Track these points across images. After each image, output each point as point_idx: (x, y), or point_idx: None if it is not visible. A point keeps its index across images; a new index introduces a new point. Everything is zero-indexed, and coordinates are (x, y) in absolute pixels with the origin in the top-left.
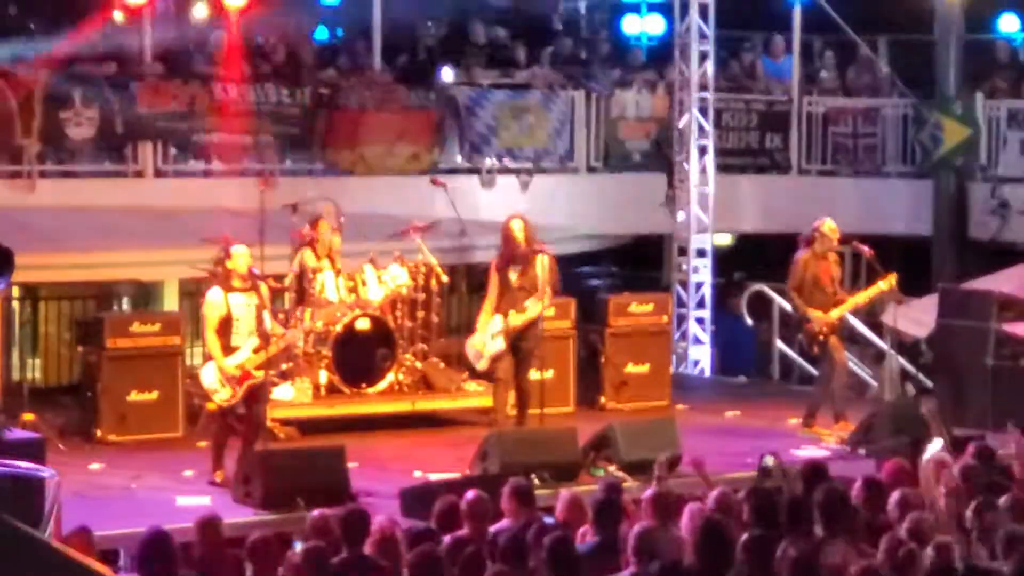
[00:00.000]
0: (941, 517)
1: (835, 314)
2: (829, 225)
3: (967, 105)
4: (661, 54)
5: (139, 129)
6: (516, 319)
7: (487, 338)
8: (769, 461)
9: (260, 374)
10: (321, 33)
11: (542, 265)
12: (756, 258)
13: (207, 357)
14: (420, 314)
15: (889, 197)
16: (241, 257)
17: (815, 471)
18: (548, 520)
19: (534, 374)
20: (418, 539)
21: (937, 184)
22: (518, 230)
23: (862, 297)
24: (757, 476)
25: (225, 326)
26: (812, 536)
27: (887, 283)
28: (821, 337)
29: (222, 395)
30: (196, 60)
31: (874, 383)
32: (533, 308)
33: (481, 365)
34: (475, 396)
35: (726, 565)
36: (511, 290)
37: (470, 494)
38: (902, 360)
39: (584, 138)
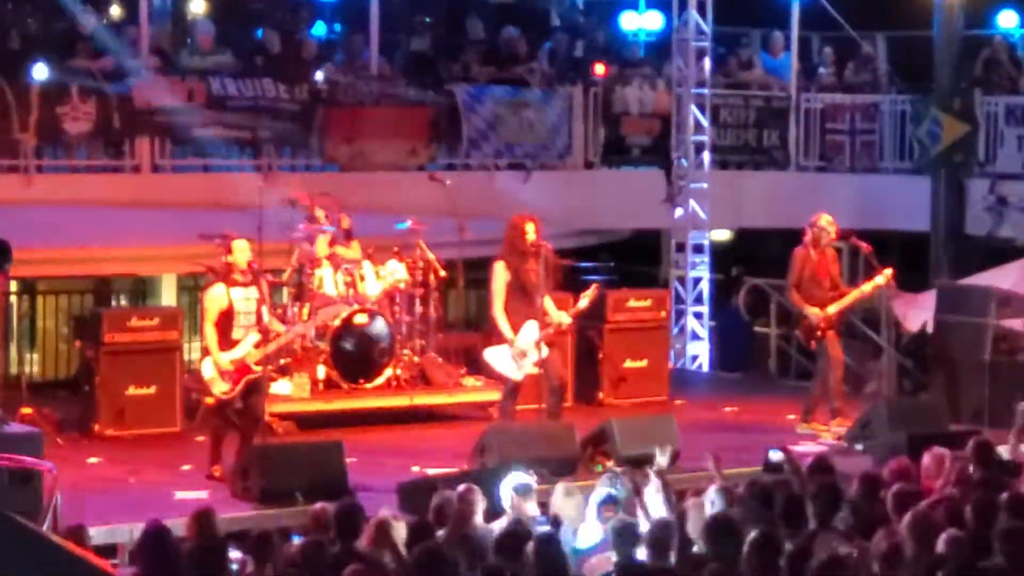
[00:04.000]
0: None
1: (832, 310)
2: (826, 219)
3: (965, 101)
4: (659, 51)
5: (136, 124)
6: (563, 317)
7: (528, 347)
8: (776, 455)
9: (259, 369)
10: (319, 29)
11: (553, 261)
12: (754, 254)
13: (206, 351)
14: (418, 309)
15: (887, 193)
16: (242, 252)
17: (821, 466)
18: (540, 517)
19: (533, 369)
20: (415, 533)
21: (935, 180)
22: (532, 231)
23: (858, 293)
24: (763, 470)
25: (226, 320)
26: (806, 530)
27: (884, 278)
28: (818, 333)
29: (221, 387)
30: (193, 55)
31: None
32: (564, 314)
33: (519, 376)
34: (473, 391)
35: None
36: (528, 290)
37: (461, 487)
38: (899, 356)
39: (582, 133)
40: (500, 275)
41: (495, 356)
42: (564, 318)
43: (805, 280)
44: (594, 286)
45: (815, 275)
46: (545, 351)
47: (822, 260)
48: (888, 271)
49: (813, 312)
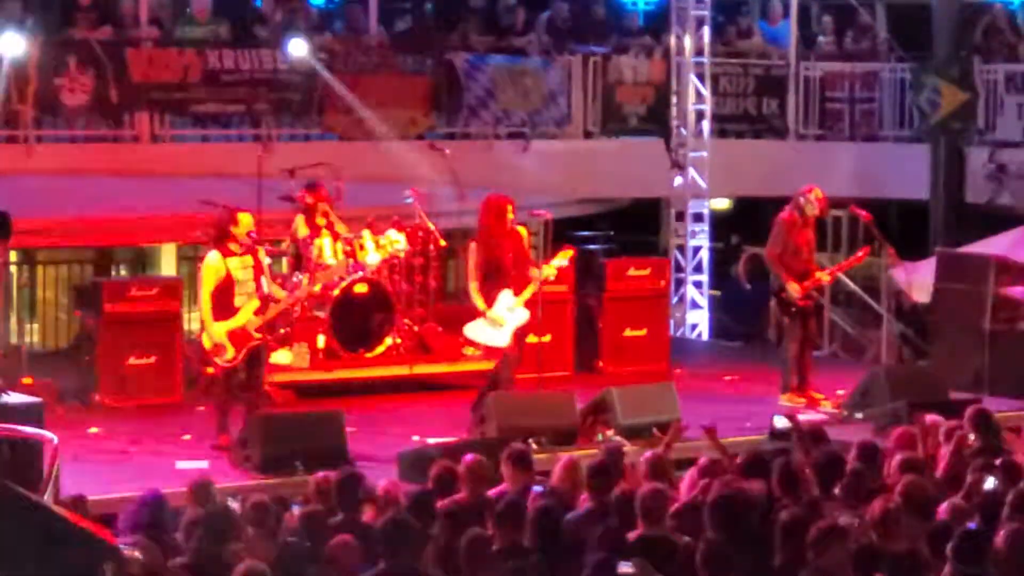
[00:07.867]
0: (939, 480)
1: (810, 284)
2: (817, 194)
3: (965, 69)
4: (658, 20)
5: (134, 98)
6: (547, 270)
7: (502, 313)
8: (781, 422)
9: (259, 336)
10: None
11: (524, 237)
12: (753, 222)
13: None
14: (418, 278)
15: (886, 161)
16: (246, 225)
17: (815, 435)
18: (537, 488)
19: (532, 339)
20: (415, 502)
21: (934, 148)
22: (510, 212)
23: (837, 268)
24: (768, 437)
25: (226, 289)
26: (806, 499)
27: (864, 253)
28: (793, 310)
29: (224, 356)
30: (190, 27)
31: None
32: (547, 267)
33: (502, 342)
34: (473, 361)
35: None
36: (503, 269)
37: (468, 457)
38: (899, 324)
39: (581, 102)
40: (475, 254)
41: (474, 330)
42: (548, 271)
43: (786, 250)
44: (570, 249)
45: (796, 246)
46: (525, 315)
47: (804, 231)
48: (863, 251)
49: (794, 288)
